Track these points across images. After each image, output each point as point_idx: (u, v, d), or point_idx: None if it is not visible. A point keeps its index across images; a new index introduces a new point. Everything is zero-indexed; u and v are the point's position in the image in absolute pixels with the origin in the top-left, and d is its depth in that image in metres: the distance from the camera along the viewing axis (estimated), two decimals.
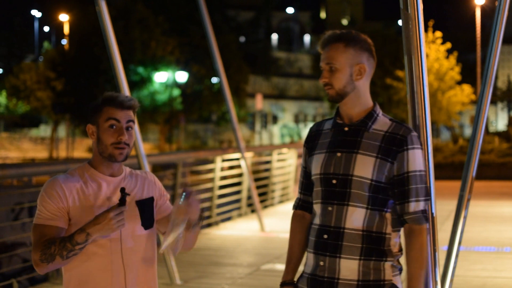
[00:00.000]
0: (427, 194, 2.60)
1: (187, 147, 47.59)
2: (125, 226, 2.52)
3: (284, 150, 14.30)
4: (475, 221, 10.83)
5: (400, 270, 2.68)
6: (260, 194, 12.56)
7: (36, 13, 60.80)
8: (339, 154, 2.61)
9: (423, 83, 2.65)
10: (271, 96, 61.61)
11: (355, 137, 2.61)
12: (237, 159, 11.33)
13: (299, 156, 14.31)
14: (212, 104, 44.53)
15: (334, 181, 2.60)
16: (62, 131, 48.46)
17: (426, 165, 2.67)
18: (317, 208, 2.66)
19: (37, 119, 50.89)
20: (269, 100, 60.43)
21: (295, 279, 2.76)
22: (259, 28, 67.14)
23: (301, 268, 2.78)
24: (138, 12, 39.67)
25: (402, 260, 2.70)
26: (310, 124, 45.81)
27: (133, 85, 38.37)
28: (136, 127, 6.79)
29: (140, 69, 39.69)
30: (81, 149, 45.81)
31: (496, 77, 40.52)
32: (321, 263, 2.60)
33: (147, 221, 2.67)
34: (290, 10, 76.22)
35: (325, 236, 2.60)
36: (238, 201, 12.13)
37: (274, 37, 71.75)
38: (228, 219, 11.54)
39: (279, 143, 53.09)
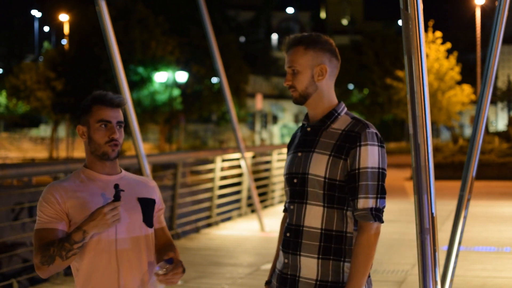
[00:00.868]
0: (379, 192, 2.58)
1: (187, 147, 47.59)
2: (121, 222, 2.54)
3: (284, 150, 14.32)
4: (475, 221, 10.83)
5: None
6: (260, 194, 12.56)
7: (36, 13, 60.79)
8: (299, 154, 2.68)
9: (423, 83, 2.65)
10: (271, 96, 61.62)
11: (314, 137, 2.67)
12: (237, 159, 11.33)
13: None
14: (212, 104, 44.54)
15: (295, 180, 2.66)
16: (62, 131, 48.46)
17: (426, 165, 2.66)
18: (287, 207, 2.73)
19: (37, 119, 50.89)
20: (269, 100, 60.44)
21: None
22: (259, 28, 67.16)
23: None
24: (138, 12, 39.66)
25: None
26: None
27: (133, 85, 38.37)
28: (136, 127, 6.80)
29: (140, 69, 39.68)
30: (81, 149, 45.82)
31: (496, 77, 40.52)
32: (286, 260, 2.67)
33: (148, 220, 2.68)
34: (290, 10, 76.23)
35: (288, 234, 2.67)
36: (238, 201, 12.13)
37: (274, 37, 71.75)
38: (228, 219, 11.54)
39: (279, 143, 53.08)
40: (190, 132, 55.09)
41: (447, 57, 30.85)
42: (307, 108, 2.72)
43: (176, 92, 41.00)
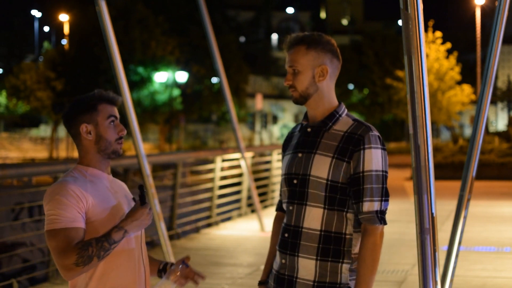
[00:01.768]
0: (384, 194, 2.60)
1: (187, 147, 47.59)
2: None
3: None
4: (475, 221, 10.83)
5: None
6: (260, 194, 12.56)
7: (36, 13, 60.78)
8: (300, 155, 2.67)
9: (423, 83, 2.65)
10: (271, 96, 61.61)
11: (315, 138, 2.65)
12: (237, 159, 11.33)
13: None
14: (212, 104, 44.54)
15: (295, 181, 2.65)
16: (62, 131, 48.42)
17: (426, 165, 2.66)
18: (284, 207, 2.73)
19: (37, 119, 50.89)
20: (269, 100, 60.43)
21: None
22: (259, 28, 67.16)
23: None
24: (138, 12, 39.66)
25: None
26: None
27: (133, 85, 38.36)
28: (136, 127, 6.80)
29: (140, 69, 39.68)
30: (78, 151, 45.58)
31: (496, 77, 40.51)
32: (283, 261, 2.66)
33: None
34: (290, 10, 76.21)
35: (286, 235, 2.66)
36: (238, 201, 12.13)
37: (274, 37, 71.74)
38: (228, 219, 11.54)
39: (280, 143, 53.10)
40: (190, 132, 55.09)
41: (447, 57, 30.84)
42: (307, 108, 2.71)
43: (176, 92, 41.00)
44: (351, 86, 56.13)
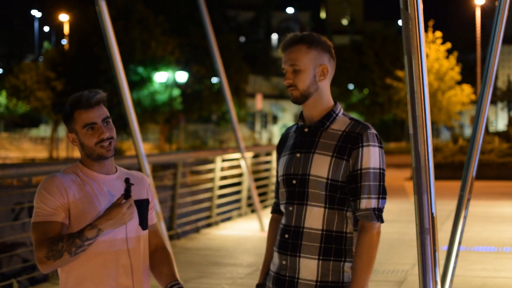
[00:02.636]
0: (381, 192, 2.60)
1: (187, 147, 47.59)
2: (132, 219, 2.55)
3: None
4: (475, 221, 10.83)
5: None
6: (260, 194, 12.56)
7: (36, 13, 60.80)
8: (298, 155, 2.66)
9: (423, 83, 2.65)
10: (271, 96, 61.63)
11: (313, 138, 2.65)
12: (237, 159, 11.33)
13: None
14: (212, 104, 44.53)
15: (294, 181, 2.65)
16: (62, 131, 48.41)
17: (426, 165, 2.66)
18: (283, 208, 2.72)
19: (37, 119, 50.89)
20: (269, 100, 60.44)
21: None
22: (259, 28, 67.16)
23: None
24: (138, 12, 39.66)
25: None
26: None
27: (133, 85, 38.37)
28: (136, 127, 6.80)
29: (140, 69, 39.69)
30: None
31: (496, 77, 40.51)
32: (283, 262, 2.65)
33: (143, 221, 2.67)
34: (290, 10, 76.23)
35: (286, 236, 2.65)
36: (238, 201, 12.13)
37: (274, 37, 71.75)
38: (228, 219, 11.54)
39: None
40: (190, 132, 55.09)
41: (447, 57, 30.84)
42: (304, 108, 2.71)
43: (176, 92, 40.99)
44: (351, 86, 56.13)
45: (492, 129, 53.77)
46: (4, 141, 45.52)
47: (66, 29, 44.23)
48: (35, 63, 44.58)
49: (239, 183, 12.10)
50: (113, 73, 6.70)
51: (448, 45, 30.17)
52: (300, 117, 2.75)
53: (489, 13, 36.71)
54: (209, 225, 10.79)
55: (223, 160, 11.48)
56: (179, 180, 9.98)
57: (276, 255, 2.71)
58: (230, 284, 6.86)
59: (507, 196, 15.84)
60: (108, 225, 2.45)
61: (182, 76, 41.84)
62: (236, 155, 11.11)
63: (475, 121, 5.10)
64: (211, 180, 11.22)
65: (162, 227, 6.93)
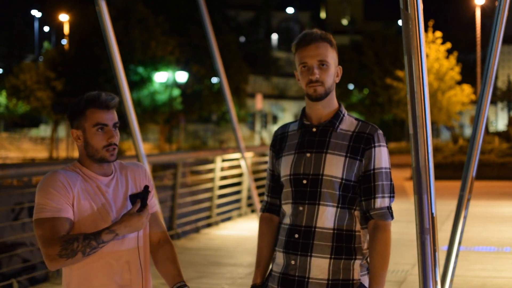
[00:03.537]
0: (392, 191, 2.66)
1: (187, 147, 47.60)
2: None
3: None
4: (475, 221, 10.83)
5: (368, 269, 2.69)
6: (260, 194, 12.56)
7: (36, 13, 60.78)
8: (308, 155, 2.66)
9: (423, 83, 2.65)
10: (271, 96, 61.62)
11: (323, 137, 2.66)
12: (237, 159, 11.33)
13: None
14: (212, 104, 44.53)
15: (304, 181, 2.64)
16: (62, 131, 48.46)
17: (426, 165, 2.67)
18: (287, 208, 2.69)
19: (37, 119, 50.89)
20: (269, 100, 60.44)
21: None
22: (259, 28, 67.16)
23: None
24: (138, 12, 39.66)
25: None
26: None
27: (133, 85, 38.36)
28: (136, 127, 6.81)
29: (140, 69, 39.68)
30: None
31: (496, 77, 40.52)
32: (292, 262, 2.65)
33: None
34: (290, 10, 76.23)
35: (296, 236, 2.64)
36: (238, 201, 12.13)
37: (274, 37, 71.76)
38: (228, 219, 11.53)
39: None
40: (190, 132, 55.09)
41: (447, 57, 30.85)
42: (315, 107, 2.69)
43: (176, 92, 40.99)
44: (351, 86, 56.12)
45: (492, 129, 53.78)
46: (4, 141, 45.52)
47: (66, 29, 44.23)
48: (35, 63, 44.58)
49: (239, 183, 12.10)
50: (113, 73, 6.71)
51: (448, 45, 30.18)
52: (303, 115, 2.73)
53: (489, 13, 36.72)
54: (209, 225, 10.79)
55: (223, 160, 11.48)
56: (179, 180, 9.98)
57: (280, 256, 2.70)
58: (230, 284, 6.86)
59: (507, 196, 15.84)
60: (126, 231, 2.49)
61: (182, 76, 41.84)
62: (236, 155, 11.11)
63: (475, 121, 5.10)
64: (211, 180, 11.22)
65: None
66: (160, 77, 40.05)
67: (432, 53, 29.84)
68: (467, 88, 30.81)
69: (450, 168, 21.95)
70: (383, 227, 2.61)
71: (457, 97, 30.46)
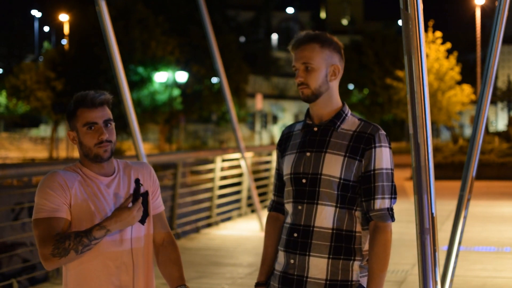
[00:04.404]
0: (393, 192, 2.65)
1: (187, 147, 47.58)
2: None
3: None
4: (475, 221, 10.84)
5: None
6: (260, 194, 12.56)
7: (36, 13, 60.78)
8: (308, 154, 2.66)
9: (423, 83, 2.65)
10: (271, 96, 61.62)
11: (324, 137, 2.66)
12: (237, 159, 11.33)
13: None
14: (212, 104, 44.54)
15: (303, 180, 2.65)
16: (62, 131, 48.45)
17: (426, 165, 2.67)
18: (288, 207, 2.71)
19: (37, 119, 50.89)
20: (269, 100, 60.43)
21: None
22: (259, 28, 67.18)
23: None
24: (138, 12, 39.66)
25: None
26: None
27: (133, 85, 38.37)
28: (136, 127, 6.80)
29: (140, 69, 39.68)
30: None
31: (496, 77, 40.51)
32: (291, 261, 2.65)
33: (143, 216, 2.63)
34: (290, 10, 76.23)
35: (295, 235, 2.65)
36: (238, 201, 12.13)
37: (274, 37, 71.75)
38: (228, 219, 11.53)
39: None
40: (190, 132, 55.09)
41: (447, 57, 30.85)
42: (314, 107, 2.70)
43: (176, 92, 41.00)
44: (351, 86, 56.14)
45: (492, 129, 53.77)
46: (4, 141, 45.53)
47: (66, 29, 44.23)
48: (35, 63, 44.58)
49: (239, 183, 12.10)
50: (113, 73, 6.70)
51: (448, 45, 30.18)
52: (307, 115, 2.74)
53: (489, 13, 36.72)
54: (209, 225, 10.79)
55: (223, 160, 11.47)
56: (179, 180, 9.98)
57: (281, 254, 2.70)
58: (230, 284, 6.86)
59: (507, 196, 15.84)
60: (117, 226, 2.48)
61: (182, 76, 41.85)
62: (236, 155, 11.11)
63: (475, 121, 5.10)
64: (211, 180, 11.22)
65: None
66: (160, 77, 40.06)
67: (432, 53, 29.84)
68: (467, 88, 30.81)
69: (450, 168, 21.94)
70: (383, 229, 2.59)
71: (457, 97, 30.47)
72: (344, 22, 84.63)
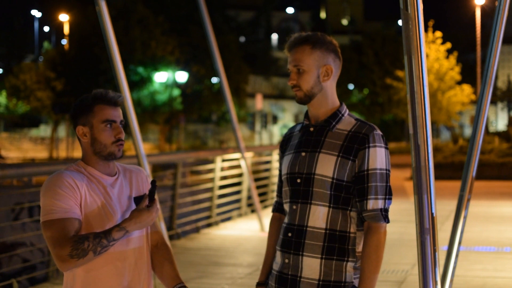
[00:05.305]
0: (387, 193, 2.62)
1: (187, 147, 47.59)
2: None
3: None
4: (475, 221, 10.83)
5: None
6: (260, 194, 12.55)
7: (36, 13, 60.75)
8: (303, 154, 2.67)
9: (423, 83, 2.65)
10: (271, 96, 61.62)
11: (319, 137, 2.67)
12: (237, 159, 11.33)
13: None
14: (212, 104, 44.55)
15: (298, 180, 2.66)
16: (62, 131, 48.45)
17: (426, 165, 2.67)
18: (286, 207, 2.72)
19: (37, 119, 50.87)
20: (269, 100, 60.44)
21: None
22: (259, 28, 67.17)
23: None
24: (138, 12, 39.67)
25: None
26: None
27: (133, 85, 38.37)
28: (136, 127, 6.80)
29: (140, 69, 39.69)
30: (81, 149, 45.57)
31: (496, 77, 40.52)
32: (286, 260, 2.66)
33: None
34: (290, 10, 76.22)
35: (289, 234, 2.66)
36: (238, 201, 12.13)
37: (274, 37, 71.75)
38: (228, 219, 11.54)
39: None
40: (190, 132, 55.09)
41: (447, 57, 30.85)
42: (310, 108, 2.71)
43: (176, 92, 41.00)
44: (351, 86, 56.13)
45: (492, 129, 53.78)
46: (4, 141, 45.52)
47: (66, 29, 44.23)
48: (35, 63, 44.57)
49: (239, 183, 12.10)
50: (113, 73, 6.70)
51: (448, 45, 30.19)
52: (305, 116, 2.75)
53: (489, 13, 36.70)
54: (209, 225, 10.79)
55: (223, 160, 11.48)
56: (179, 180, 9.98)
57: (278, 254, 2.71)
58: (230, 284, 6.86)
59: (507, 196, 15.84)
60: (136, 227, 2.50)
61: (182, 76, 41.86)
62: (236, 155, 11.11)
63: (475, 121, 5.10)
64: (211, 180, 11.22)
65: (162, 227, 6.93)
66: (160, 77, 40.06)
67: (432, 53, 29.85)
68: (467, 88, 30.81)
69: (450, 168, 21.94)
70: (375, 230, 2.58)
71: (457, 97, 30.47)
72: (344, 22, 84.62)
